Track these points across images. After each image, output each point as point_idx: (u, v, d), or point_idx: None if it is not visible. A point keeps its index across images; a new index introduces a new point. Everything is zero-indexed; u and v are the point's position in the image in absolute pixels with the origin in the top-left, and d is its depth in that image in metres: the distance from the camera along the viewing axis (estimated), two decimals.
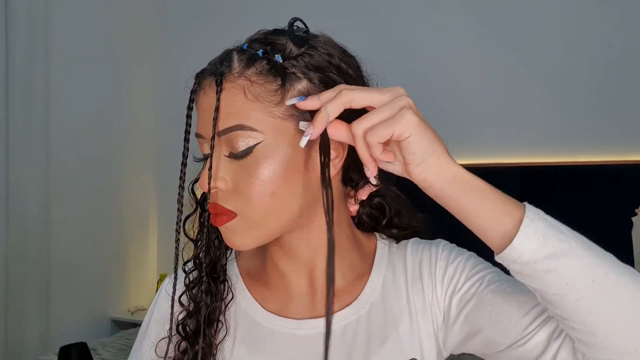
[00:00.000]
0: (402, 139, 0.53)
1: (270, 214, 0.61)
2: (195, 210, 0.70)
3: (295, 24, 0.64)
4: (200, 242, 0.69)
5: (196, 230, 0.70)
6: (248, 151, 0.59)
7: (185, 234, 0.70)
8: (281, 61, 0.59)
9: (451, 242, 0.73)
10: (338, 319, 0.67)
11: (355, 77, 0.64)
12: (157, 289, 3.24)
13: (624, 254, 2.01)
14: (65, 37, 2.65)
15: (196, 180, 0.70)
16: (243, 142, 0.59)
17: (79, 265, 2.71)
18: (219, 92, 0.58)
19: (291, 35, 0.61)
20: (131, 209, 3.02)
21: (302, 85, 0.60)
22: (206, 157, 0.63)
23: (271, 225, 0.62)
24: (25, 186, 2.43)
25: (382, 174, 0.67)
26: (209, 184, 0.60)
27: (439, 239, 0.74)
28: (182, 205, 0.65)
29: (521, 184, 2.22)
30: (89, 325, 2.75)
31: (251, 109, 0.58)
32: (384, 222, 0.74)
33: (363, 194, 0.70)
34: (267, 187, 0.59)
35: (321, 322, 0.67)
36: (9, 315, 2.37)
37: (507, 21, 2.33)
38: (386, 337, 0.67)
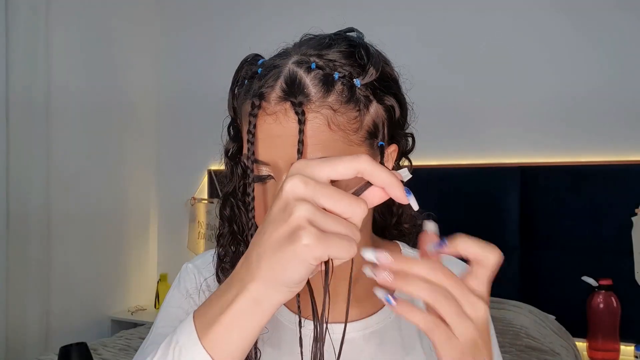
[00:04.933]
0: (437, 353, 0.46)
1: None
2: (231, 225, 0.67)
3: (361, 37, 0.61)
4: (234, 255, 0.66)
5: (222, 247, 0.67)
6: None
7: (219, 256, 0.68)
8: (359, 85, 0.57)
9: None
10: (362, 326, 0.67)
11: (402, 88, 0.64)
12: (157, 289, 3.22)
13: (624, 254, 2.00)
14: (66, 34, 2.65)
15: (226, 194, 0.66)
16: None
17: (79, 265, 2.71)
18: (302, 122, 0.54)
19: (371, 60, 0.58)
20: (131, 209, 3.02)
21: (373, 108, 0.59)
22: (261, 179, 0.59)
23: None
24: (25, 186, 2.43)
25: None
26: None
27: (462, 262, 0.71)
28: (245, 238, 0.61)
29: (521, 184, 2.22)
30: (89, 325, 2.75)
31: (334, 140, 0.56)
32: (393, 221, 0.74)
33: None
34: None
35: (352, 327, 0.67)
36: (10, 315, 2.37)
37: (505, 21, 2.33)
38: (411, 348, 0.67)
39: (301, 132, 0.54)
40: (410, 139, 0.65)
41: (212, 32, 2.95)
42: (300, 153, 0.54)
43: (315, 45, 0.59)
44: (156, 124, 3.14)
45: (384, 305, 0.68)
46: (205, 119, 2.41)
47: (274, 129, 0.56)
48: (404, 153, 0.66)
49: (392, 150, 0.63)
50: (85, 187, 2.75)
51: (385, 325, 0.67)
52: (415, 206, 0.47)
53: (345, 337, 0.65)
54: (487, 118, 2.36)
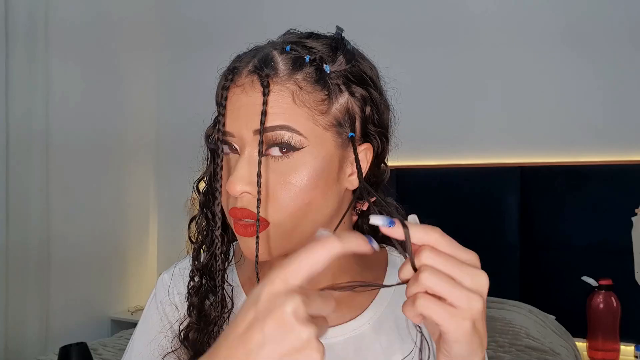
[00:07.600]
0: (445, 335, 0.45)
1: (302, 224, 0.59)
2: (209, 212, 0.66)
3: (339, 33, 0.62)
4: (211, 248, 0.65)
5: (197, 234, 0.68)
6: (289, 155, 0.57)
7: (190, 239, 0.68)
8: (329, 72, 0.58)
9: None
10: (340, 332, 0.66)
11: (383, 92, 0.65)
12: None
13: (624, 254, 2.00)
14: (67, 37, 2.64)
15: (201, 179, 0.68)
16: (285, 144, 0.57)
17: (79, 265, 2.70)
18: (266, 94, 0.56)
19: (343, 49, 0.60)
20: (131, 208, 3.02)
21: (344, 98, 0.60)
22: (221, 156, 0.60)
23: (300, 236, 0.59)
24: (25, 186, 2.42)
25: (378, 184, 0.67)
26: (258, 186, 0.56)
27: None
28: (218, 211, 0.59)
29: (521, 184, 2.22)
30: (89, 325, 2.75)
31: (298, 113, 0.57)
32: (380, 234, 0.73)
33: (364, 205, 0.69)
34: (304, 195, 0.57)
35: (330, 333, 0.66)
36: (9, 316, 2.37)
37: (503, 21, 2.33)
38: (391, 354, 0.66)
39: (265, 103, 0.56)
40: (385, 140, 0.65)
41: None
42: (263, 124, 0.55)
43: (297, 34, 0.63)
44: (157, 124, 3.14)
45: (363, 310, 0.68)
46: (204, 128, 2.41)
47: (241, 99, 0.58)
48: (378, 155, 0.65)
49: (364, 149, 0.63)
50: (85, 187, 2.75)
51: (364, 331, 0.66)
52: (376, 248, 0.46)
53: (328, 343, 0.66)
54: (487, 118, 2.36)
